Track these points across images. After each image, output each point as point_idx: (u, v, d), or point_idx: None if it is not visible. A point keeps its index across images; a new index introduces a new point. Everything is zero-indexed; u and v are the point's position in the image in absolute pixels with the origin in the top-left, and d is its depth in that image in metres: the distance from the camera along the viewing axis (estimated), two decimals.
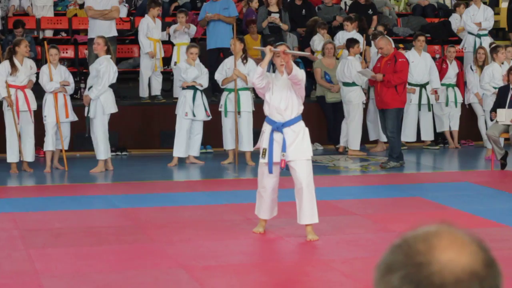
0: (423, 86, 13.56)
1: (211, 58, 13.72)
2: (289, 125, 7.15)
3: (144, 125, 13.35)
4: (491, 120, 11.82)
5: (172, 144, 12.00)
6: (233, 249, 6.96)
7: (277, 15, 14.17)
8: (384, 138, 12.97)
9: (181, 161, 12.08)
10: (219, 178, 11.12)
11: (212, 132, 12.63)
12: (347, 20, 14.22)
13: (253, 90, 13.85)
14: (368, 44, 14.28)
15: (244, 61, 11.94)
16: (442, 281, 1.35)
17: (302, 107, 7.28)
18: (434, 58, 14.26)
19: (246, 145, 11.90)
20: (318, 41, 14.14)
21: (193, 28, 13.69)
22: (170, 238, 7.36)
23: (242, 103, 11.91)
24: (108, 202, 9.17)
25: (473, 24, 15.05)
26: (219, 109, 12.09)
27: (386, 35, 12.88)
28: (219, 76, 12.01)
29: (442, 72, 13.84)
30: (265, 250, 6.87)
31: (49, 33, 15.06)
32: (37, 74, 11.52)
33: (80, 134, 12.05)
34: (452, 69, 13.98)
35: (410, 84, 13.28)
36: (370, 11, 15.38)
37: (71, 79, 11.59)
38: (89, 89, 11.32)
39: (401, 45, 15.22)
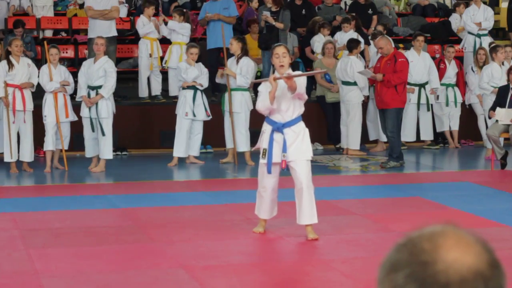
0: (422, 86, 13.56)
1: (211, 58, 13.71)
2: (290, 126, 7.13)
3: (144, 125, 13.35)
4: (489, 118, 11.83)
5: (172, 144, 12.00)
6: (233, 249, 6.96)
7: (268, 13, 14.10)
8: (384, 138, 12.97)
9: (181, 161, 12.08)
10: (219, 178, 11.12)
11: (212, 132, 12.63)
12: (345, 22, 14.23)
13: (252, 90, 13.88)
14: (367, 43, 14.30)
15: (239, 59, 11.94)
16: (447, 280, 1.34)
17: (303, 108, 7.27)
18: (433, 58, 14.26)
19: (242, 146, 11.91)
20: (318, 42, 14.11)
21: (164, 27, 13.57)
22: (170, 238, 7.36)
23: (234, 104, 11.89)
24: (108, 202, 9.17)
25: (473, 24, 15.05)
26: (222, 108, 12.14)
27: (386, 35, 12.89)
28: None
29: (440, 72, 13.83)
30: (265, 250, 6.87)
31: (48, 33, 15.05)
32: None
33: (80, 134, 12.04)
34: (452, 69, 13.98)
35: (409, 84, 13.27)
36: (370, 11, 15.38)
37: (71, 79, 11.60)
38: (94, 90, 11.33)
39: (401, 45, 15.22)
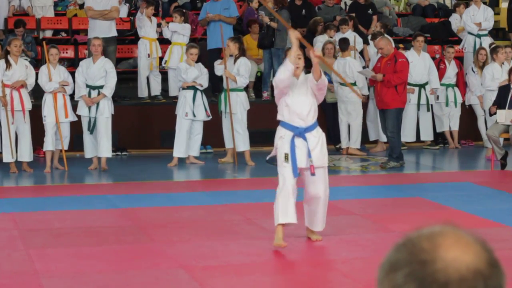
0: (422, 86, 13.56)
1: (212, 58, 13.70)
2: (311, 131, 6.99)
3: (144, 125, 13.35)
4: (490, 115, 11.83)
5: (172, 144, 12.00)
6: (233, 249, 6.96)
7: (263, 12, 14.09)
8: (384, 138, 12.97)
9: (181, 161, 12.08)
10: (219, 178, 11.12)
11: (212, 132, 12.62)
12: (343, 23, 14.22)
13: (252, 90, 13.87)
14: (366, 43, 14.31)
15: (236, 60, 11.96)
16: (447, 278, 1.35)
17: (317, 112, 7.18)
18: (433, 58, 14.25)
19: (241, 145, 11.92)
20: (321, 42, 14.08)
21: (166, 29, 13.58)
22: (170, 238, 7.35)
23: (232, 105, 11.90)
24: (108, 202, 9.17)
25: (473, 24, 15.05)
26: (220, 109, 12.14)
27: (386, 35, 12.89)
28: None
29: (440, 72, 13.83)
30: (265, 250, 6.87)
31: (48, 33, 15.05)
32: (36, 74, 11.52)
33: (80, 134, 12.04)
34: (451, 69, 13.97)
35: (409, 84, 13.27)
36: (370, 11, 15.37)
37: (70, 79, 11.60)
38: (95, 89, 11.37)
39: (401, 45, 15.22)
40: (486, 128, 12.74)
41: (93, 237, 7.39)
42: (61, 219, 8.20)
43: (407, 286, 1.36)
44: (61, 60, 13.32)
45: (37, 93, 11.63)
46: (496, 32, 17.19)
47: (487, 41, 14.83)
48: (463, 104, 14.11)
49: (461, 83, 14.16)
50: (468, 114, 14.11)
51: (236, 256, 6.77)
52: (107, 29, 12.87)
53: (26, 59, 12.09)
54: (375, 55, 13.18)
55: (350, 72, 12.81)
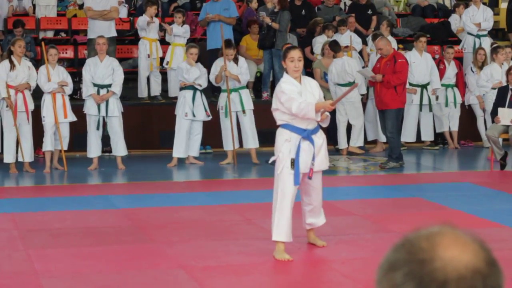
0: (424, 86, 13.55)
1: (211, 59, 13.71)
2: (316, 133, 6.77)
3: (143, 125, 13.35)
4: (493, 123, 11.82)
5: (171, 144, 12.00)
6: (233, 249, 6.96)
7: (264, 13, 14.10)
8: (383, 138, 12.97)
9: (181, 161, 12.08)
10: (219, 178, 11.12)
11: (211, 132, 12.62)
12: (341, 24, 14.23)
13: (252, 91, 13.88)
14: (364, 43, 14.33)
15: (236, 60, 12.01)
16: (445, 277, 1.35)
17: None
18: (433, 59, 14.25)
19: (252, 143, 11.95)
20: (320, 43, 14.09)
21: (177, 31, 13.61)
22: (169, 238, 7.36)
23: (245, 102, 11.95)
24: (108, 202, 9.17)
25: (473, 24, 15.05)
26: (220, 111, 12.08)
27: (383, 35, 12.90)
28: (211, 77, 12.07)
29: (440, 73, 13.83)
30: (265, 250, 6.87)
31: (50, 34, 15.05)
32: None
33: (80, 134, 12.05)
34: (451, 69, 13.97)
35: (411, 84, 13.29)
36: (369, 11, 15.38)
37: (69, 80, 11.61)
38: (103, 88, 11.41)
39: (400, 46, 15.22)
40: (486, 129, 12.74)
41: (93, 237, 7.39)
42: (61, 219, 8.20)
43: (406, 285, 1.37)
44: (60, 61, 13.33)
45: (36, 94, 11.63)
46: (495, 33, 17.19)
47: (486, 42, 14.84)
48: (462, 105, 14.11)
49: (461, 84, 14.17)
50: (467, 115, 14.11)
51: (236, 256, 6.77)
52: (106, 30, 12.88)
53: (26, 59, 12.08)
54: (375, 56, 13.17)
55: (350, 70, 12.82)
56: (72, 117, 11.57)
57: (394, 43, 13.80)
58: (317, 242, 7.10)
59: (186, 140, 11.93)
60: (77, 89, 13.72)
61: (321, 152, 6.80)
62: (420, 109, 13.61)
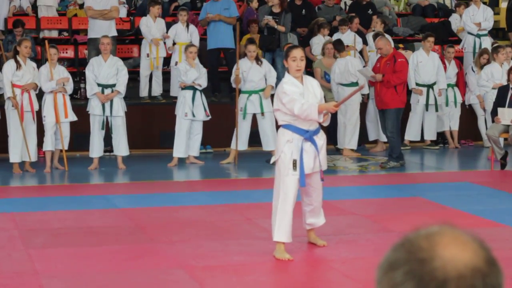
0: (430, 86, 13.52)
1: (212, 58, 13.72)
2: (317, 133, 6.74)
3: (144, 125, 13.35)
4: (493, 123, 11.82)
5: (172, 144, 12.00)
6: (233, 249, 6.96)
7: (270, 16, 14.12)
8: (384, 138, 12.97)
9: (181, 161, 12.08)
10: (219, 178, 11.12)
11: (211, 132, 12.63)
12: (342, 23, 14.22)
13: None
14: (365, 43, 14.32)
15: (259, 62, 11.98)
16: (445, 276, 1.35)
17: None
18: None
19: (273, 145, 11.89)
20: (317, 44, 14.10)
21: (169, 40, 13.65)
22: (170, 238, 7.36)
23: (265, 105, 11.93)
24: (108, 202, 9.17)
25: (473, 24, 15.04)
26: (239, 112, 12.02)
27: (384, 35, 12.89)
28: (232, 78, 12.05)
29: None
30: (265, 250, 6.87)
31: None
32: None
33: (80, 134, 12.06)
34: (452, 69, 13.96)
35: (417, 84, 13.29)
36: (370, 11, 15.38)
37: (70, 79, 11.60)
38: (107, 88, 11.42)
39: (401, 45, 15.22)
40: (486, 128, 12.74)
41: (93, 237, 7.39)
42: (61, 219, 8.20)
43: (405, 284, 1.37)
44: (61, 60, 13.33)
45: (37, 94, 11.62)
46: (496, 32, 17.19)
47: (486, 41, 14.84)
48: (463, 104, 14.11)
49: (461, 83, 14.16)
50: (468, 114, 14.11)
51: (236, 256, 6.77)
52: (106, 29, 12.88)
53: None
54: (375, 55, 13.16)
55: (353, 70, 12.80)
56: (72, 117, 11.58)
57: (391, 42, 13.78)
58: (318, 242, 7.09)
59: (186, 140, 11.93)
60: (77, 89, 13.72)
61: (322, 152, 6.79)
62: (426, 109, 13.58)
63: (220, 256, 6.73)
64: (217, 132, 12.82)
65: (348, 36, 13.90)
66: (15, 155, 11.23)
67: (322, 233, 7.28)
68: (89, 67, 11.62)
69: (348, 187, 10.30)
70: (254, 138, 12.25)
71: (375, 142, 13.76)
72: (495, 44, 14.07)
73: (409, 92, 12.88)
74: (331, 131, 13.46)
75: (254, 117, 12.15)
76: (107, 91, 11.52)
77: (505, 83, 12.01)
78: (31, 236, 7.48)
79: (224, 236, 7.41)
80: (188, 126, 11.90)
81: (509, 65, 12.94)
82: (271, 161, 6.92)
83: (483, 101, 13.58)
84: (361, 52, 14.29)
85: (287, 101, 6.50)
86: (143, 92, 13.73)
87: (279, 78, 12.19)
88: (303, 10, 15.10)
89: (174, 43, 13.66)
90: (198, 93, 11.93)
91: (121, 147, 11.71)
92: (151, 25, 13.48)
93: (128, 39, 14.97)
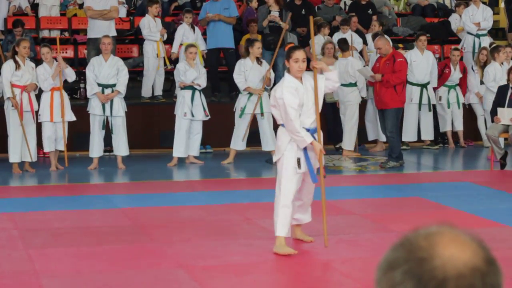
0: (424, 85, 13.53)
1: (211, 58, 13.72)
2: (316, 131, 6.81)
3: (144, 125, 13.35)
4: (492, 121, 11.81)
5: (171, 144, 12.00)
6: (233, 249, 6.96)
7: (276, 14, 14.16)
8: (383, 138, 12.97)
9: (181, 161, 12.09)
10: (219, 178, 11.12)
11: (211, 132, 12.63)
12: (344, 23, 14.22)
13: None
14: (365, 43, 14.33)
15: (260, 62, 11.97)
16: (444, 275, 1.35)
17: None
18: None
19: (272, 145, 11.91)
20: (317, 44, 14.09)
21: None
22: (169, 238, 7.36)
23: (264, 105, 11.93)
24: (108, 202, 9.17)
25: (472, 24, 15.05)
26: (238, 111, 12.01)
27: (383, 35, 12.89)
28: (239, 79, 11.93)
29: (444, 76, 13.78)
30: (265, 250, 6.87)
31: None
32: None
33: (80, 133, 12.05)
34: (457, 74, 13.84)
35: (411, 83, 13.27)
36: (369, 11, 15.38)
37: (70, 71, 11.58)
38: (107, 88, 11.41)
39: (400, 45, 15.22)
40: (486, 128, 12.74)
41: (93, 237, 7.39)
42: (61, 219, 8.21)
43: (405, 283, 1.37)
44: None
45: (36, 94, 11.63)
46: (495, 32, 17.19)
47: (486, 41, 14.83)
48: (463, 104, 14.09)
49: (464, 84, 14.10)
50: (468, 114, 14.10)
51: (236, 256, 6.77)
52: (106, 29, 12.88)
53: (27, 59, 12.07)
54: (374, 55, 13.17)
55: (353, 72, 12.81)
56: (71, 117, 11.53)
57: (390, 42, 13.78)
58: (305, 238, 7.14)
59: (186, 140, 11.93)
60: (77, 89, 13.72)
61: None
62: (420, 108, 13.58)
63: (219, 256, 6.74)
64: (217, 132, 12.82)
65: (348, 36, 13.89)
66: (14, 155, 11.23)
67: (322, 232, 7.28)
68: (90, 67, 11.62)
69: (348, 187, 10.30)
70: (254, 138, 12.26)
71: (375, 142, 13.76)
72: (494, 44, 14.06)
73: None
74: (331, 131, 13.47)
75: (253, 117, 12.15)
76: (107, 91, 11.52)
77: (504, 81, 12.01)
78: (31, 236, 7.48)
79: (223, 236, 7.41)
80: (187, 126, 11.90)
81: (509, 65, 12.93)
82: (273, 160, 6.95)
83: (482, 97, 13.53)
84: (361, 52, 14.29)
85: (287, 119, 6.59)
86: (147, 92, 13.66)
87: (279, 77, 12.20)
88: (303, 10, 15.10)
89: (180, 44, 13.67)
90: (197, 93, 11.93)
91: (121, 147, 11.70)
92: (152, 25, 13.48)
93: (127, 39, 14.98)
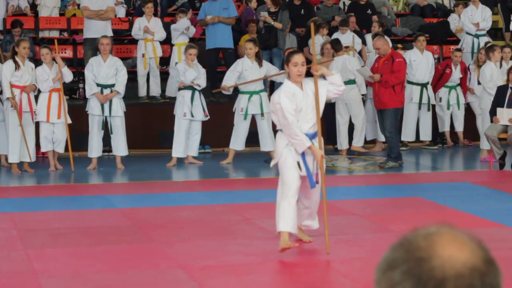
0: (424, 85, 13.52)
1: (210, 58, 13.71)
2: (315, 137, 6.79)
3: (143, 125, 13.35)
4: (492, 122, 11.81)
5: (171, 144, 12.00)
6: (232, 249, 6.96)
7: (266, 13, 14.10)
8: (382, 138, 12.97)
9: (180, 161, 12.09)
10: (218, 178, 11.12)
11: (210, 132, 12.63)
12: (343, 24, 14.22)
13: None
14: (364, 43, 14.33)
15: (260, 63, 11.95)
16: (443, 275, 1.35)
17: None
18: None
19: (271, 145, 11.88)
20: (316, 44, 14.08)
21: (192, 29, 13.69)
22: (169, 238, 7.36)
23: (264, 105, 11.93)
24: (107, 202, 9.17)
25: (471, 24, 15.05)
26: (239, 112, 12.00)
27: (383, 35, 12.90)
28: (230, 76, 11.92)
29: (445, 76, 13.78)
30: (264, 250, 6.87)
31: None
32: None
33: (78, 134, 12.04)
34: (457, 74, 13.84)
35: (411, 83, 13.28)
36: (369, 11, 15.39)
37: (68, 72, 11.58)
38: (106, 88, 11.41)
39: (399, 45, 15.22)
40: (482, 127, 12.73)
41: (92, 237, 7.39)
42: (60, 219, 8.20)
43: (404, 283, 1.37)
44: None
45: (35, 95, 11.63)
46: (494, 32, 17.18)
47: (485, 41, 14.83)
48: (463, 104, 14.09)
49: (464, 84, 14.08)
50: (467, 114, 14.09)
51: (235, 256, 6.77)
52: (102, 29, 12.88)
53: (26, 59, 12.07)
54: (374, 55, 13.17)
55: (351, 67, 12.82)
56: (67, 119, 11.46)
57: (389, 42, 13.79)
58: (304, 238, 7.13)
59: (185, 140, 11.93)
60: (76, 89, 13.71)
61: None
62: (419, 108, 13.59)
63: (219, 256, 6.74)
64: (216, 132, 12.82)
65: (348, 37, 13.90)
66: (14, 156, 11.23)
67: (322, 232, 7.28)
68: (88, 67, 11.61)
69: (347, 187, 10.30)
70: (252, 138, 12.26)
71: (373, 142, 13.77)
72: (489, 43, 14.04)
73: None
74: (330, 131, 13.48)
75: (252, 117, 12.15)
76: (106, 91, 11.51)
77: (503, 81, 12.01)
78: (30, 236, 7.48)
79: (223, 236, 7.41)
80: (187, 126, 11.90)
81: (507, 65, 12.92)
82: (271, 164, 6.96)
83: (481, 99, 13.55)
84: (360, 53, 14.30)
85: (284, 124, 6.60)
86: (142, 92, 13.73)
87: (277, 79, 12.20)
88: (302, 10, 15.10)
89: (172, 45, 13.68)
90: (197, 93, 11.93)
91: (120, 147, 11.70)
92: (142, 24, 13.49)
93: (126, 39, 14.97)
